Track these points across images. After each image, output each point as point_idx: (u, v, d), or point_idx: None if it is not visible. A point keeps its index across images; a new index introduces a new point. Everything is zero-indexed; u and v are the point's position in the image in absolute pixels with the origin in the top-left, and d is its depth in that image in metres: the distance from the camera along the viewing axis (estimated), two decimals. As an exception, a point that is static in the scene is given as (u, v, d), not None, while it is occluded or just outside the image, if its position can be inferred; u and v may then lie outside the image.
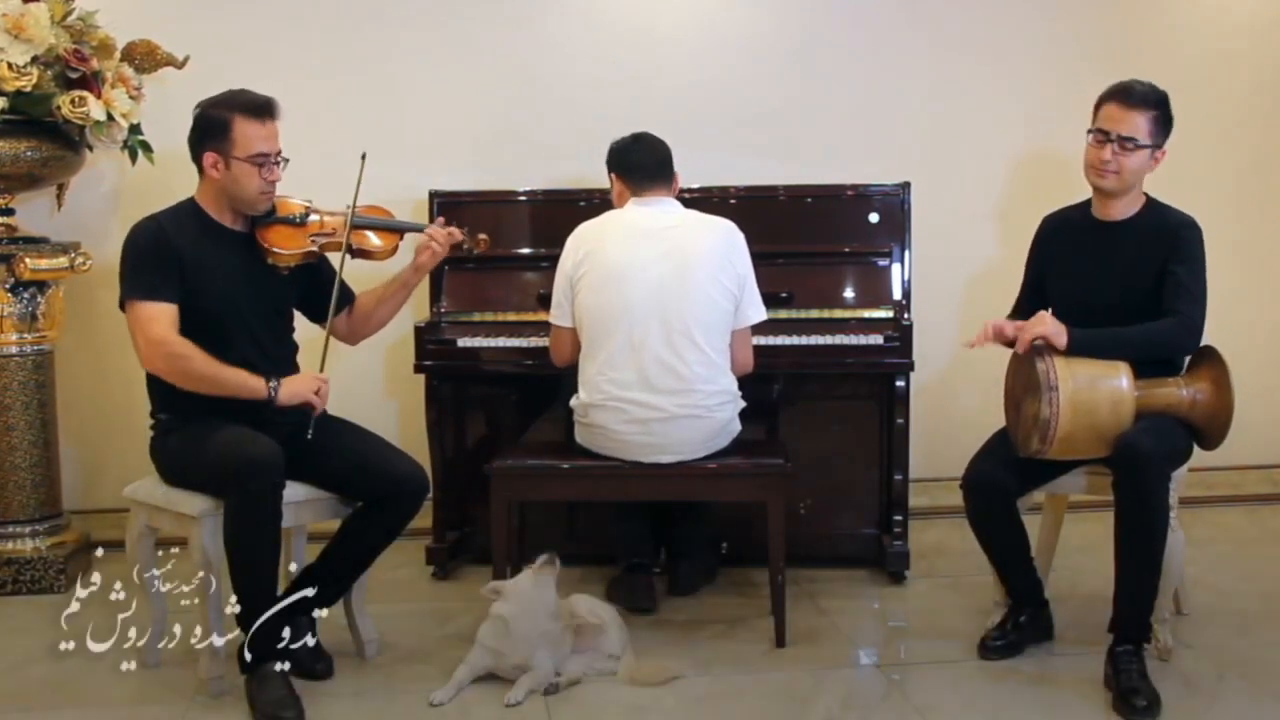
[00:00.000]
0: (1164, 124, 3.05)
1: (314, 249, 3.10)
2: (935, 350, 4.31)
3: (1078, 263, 3.16)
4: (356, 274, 3.29)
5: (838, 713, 2.84)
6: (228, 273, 3.01)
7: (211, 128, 2.98)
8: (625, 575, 3.57)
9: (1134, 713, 2.74)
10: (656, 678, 2.99)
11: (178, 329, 2.91)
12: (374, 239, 3.20)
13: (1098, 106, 3.09)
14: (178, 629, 3.16)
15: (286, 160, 3.04)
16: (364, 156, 3.11)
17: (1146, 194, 3.14)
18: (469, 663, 2.98)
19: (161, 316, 2.90)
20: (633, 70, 4.32)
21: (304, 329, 3.25)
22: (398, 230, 3.25)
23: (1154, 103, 3.04)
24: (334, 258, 3.16)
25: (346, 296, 3.23)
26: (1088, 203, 3.20)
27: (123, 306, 2.97)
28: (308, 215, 3.12)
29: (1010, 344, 3.04)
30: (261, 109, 2.99)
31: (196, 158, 3.02)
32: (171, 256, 2.94)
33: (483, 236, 3.38)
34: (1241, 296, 4.45)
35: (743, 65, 4.37)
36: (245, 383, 2.92)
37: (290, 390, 2.95)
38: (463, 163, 4.23)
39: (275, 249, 3.06)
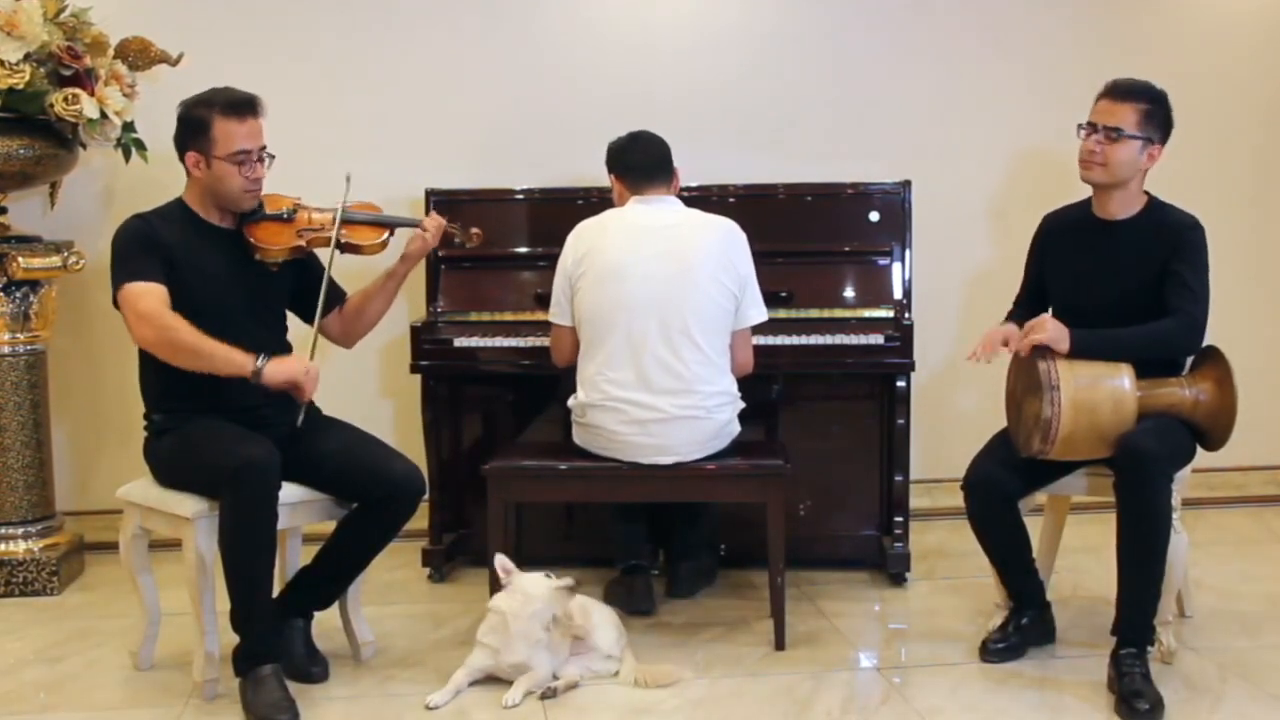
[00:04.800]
0: (1156, 119, 3.03)
1: (301, 244, 3.08)
2: (936, 350, 4.29)
3: (1078, 261, 3.14)
4: (346, 270, 3.26)
5: (838, 715, 2.81)
6: (216, 271, 2.99)
7: (192, 127, 2.96)
8: (623, 577, 3.55)
9: (1137, 716, 2.72)
10: (661, 680, 2.97)
11: (168, 306, 2.87)
12: (363, 235, 3.17)
13: (1094, 104, 3.08)
14: (172, 631, 3.16)
15: (272, 157, 3.02)
16: (349, 179, 3.07)
17: (1149, 193, 3.12)
18: (467, 665, 2.96)
19: (150, 293, 2.87)
20: (631, 67, 4.30)
21: (297, 330, 3.22)
22: (388, 225, 3.22)
23: (1143, 96, 3.03)
24: (323, 255, 3.13)
25: (337, 295, 3.20)
26: (1088, 202, 3.17)
27: (115, 301, 2.95)
28: (295, 211, 3.10)
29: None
30: (241, 106, 2.96)
31: (181, 157, 3.00)
32: (158, 248, 2.93)
33: (475, 231, 3.36)
34: (1245, 296, 4.43)
35: (742, 63, 4.35)
36: (230, 357, 2.85)
37: (277, 368, 2.87)
38: (460, 161, 4.21)
39: (262, 245, 3.04)
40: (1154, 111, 3.02)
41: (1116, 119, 3.00)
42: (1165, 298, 2.97)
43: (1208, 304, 2.98)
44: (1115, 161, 3.01)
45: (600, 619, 3.09)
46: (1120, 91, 3.03)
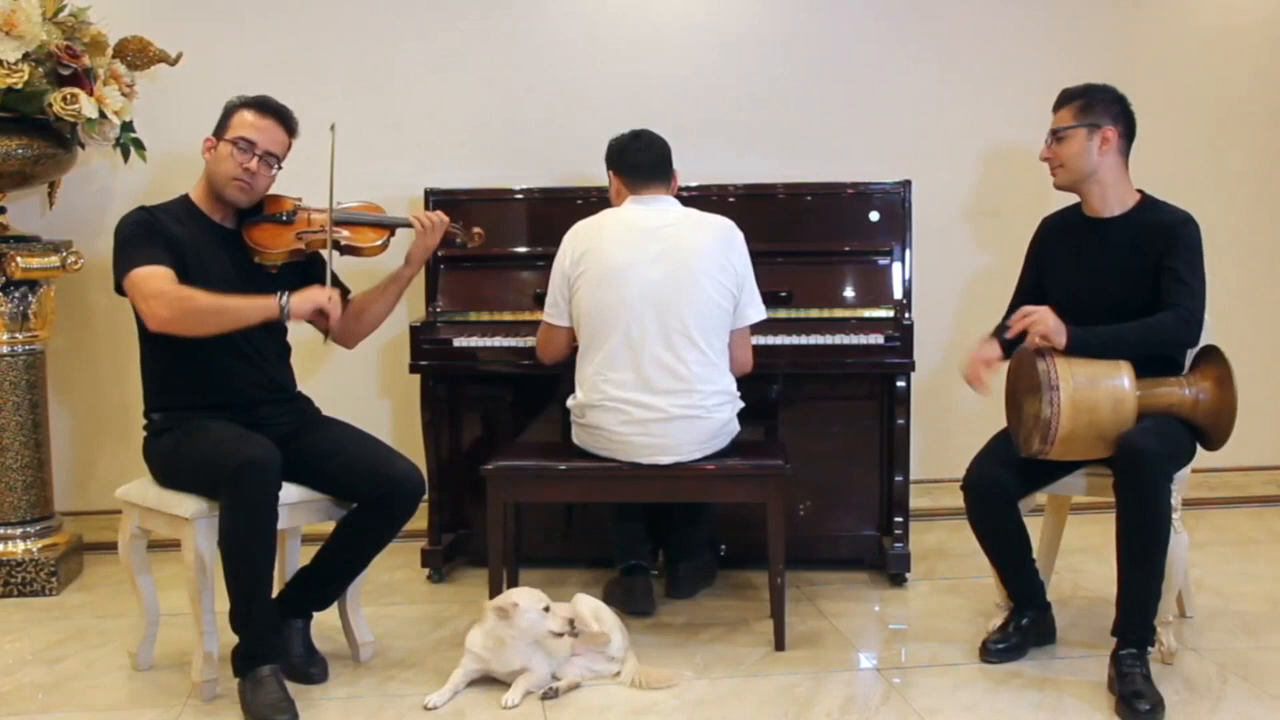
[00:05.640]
0: (1096, 107, 3.08)
1: (300, 246, 3.08)
2: (936, 350, 4.29)
3: (1074, 262, 3.15)
4: (347, 273, 3.25)
5: (838, 715, 2.81)
6: (217, 271, 2.99)
7: (223, 115, 3.06)
8: (623, 577, 3.54)
9: (1137, 716, 2.71)
10: (660, 684, 2.96)
11: (175, 283, 2.87)
12: (363, 236, 3.16)
13: None
14: (171, 631, 3.16)
15: (280, 167, 3.05)
16: (333, 128, 3.06)
17: (1142, 191, 3.13)
18: (462, 667, 2.95)
19: (156, 274, 2.88)
20: (631, 67, 4.30)
21: (297, 332, 3.21)
22: (386, 226, 3.21)
23: (1075, 95, 3.13)
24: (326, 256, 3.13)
25: (342, 292, 3.19)
26: (1081, 203, 3.18)
27: (120, 289, 2.94)
28: (294, 213, 3.10)
29: (1003, 356, 3.08)
30: (266, 106, 3.06)
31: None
32: (161, 236, 2.94)
33: (477, 230, 3.36)
34: (1245, 295, 4.44)
35: (742, 63, 4.35)
36: (254, 304, 2.89)
37: (301, 300, 2.92)
38: (459, 160, 4.21)
39: (262, 248, 3.04)
40: (1089, 102, 3.09)
41: (1057, 123, 3.13)
42: (1161, 293, 2.97)
43: (1204, 298, 2.98)
44: (1067, 156, 3.09)
45: (609, 623, 3.08)
46: (1058, 102, 3.16)
